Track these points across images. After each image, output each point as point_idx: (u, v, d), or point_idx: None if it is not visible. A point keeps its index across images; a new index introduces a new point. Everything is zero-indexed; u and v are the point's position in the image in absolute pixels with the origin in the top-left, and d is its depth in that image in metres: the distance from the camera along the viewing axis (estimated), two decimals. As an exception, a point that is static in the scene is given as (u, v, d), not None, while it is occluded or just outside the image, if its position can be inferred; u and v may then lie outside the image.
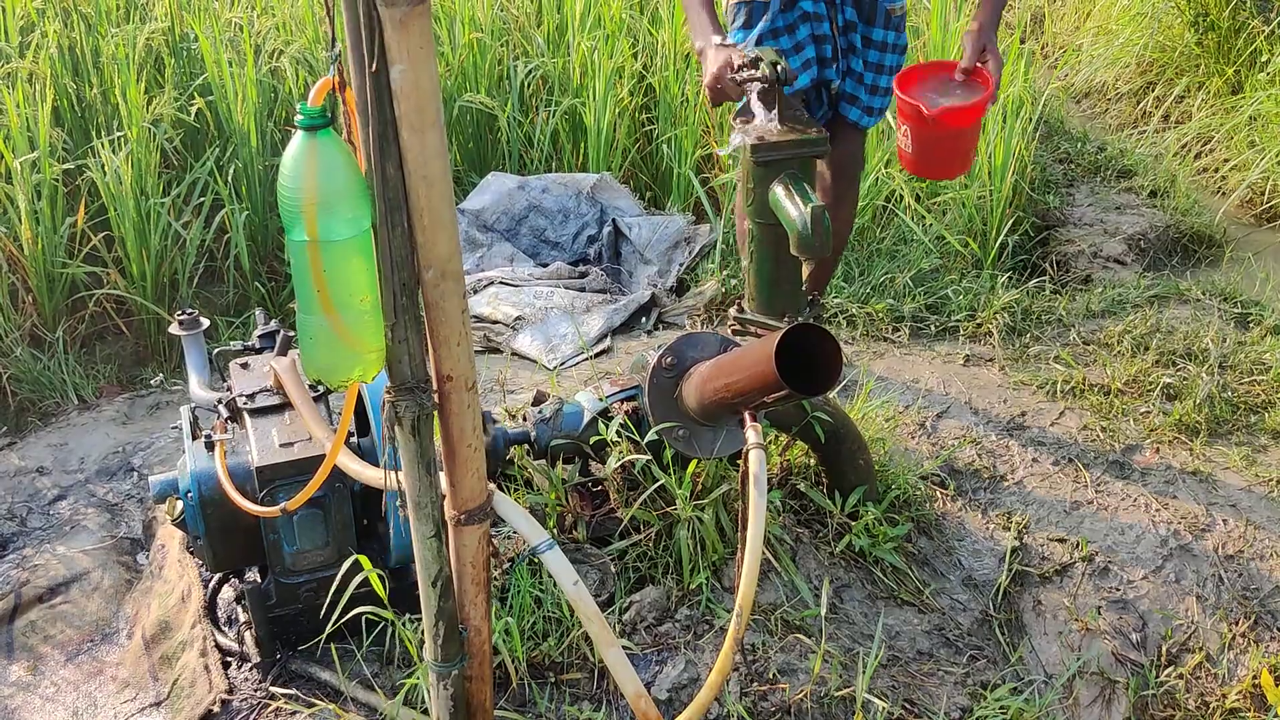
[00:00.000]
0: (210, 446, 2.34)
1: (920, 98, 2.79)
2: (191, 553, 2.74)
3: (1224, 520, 2.97)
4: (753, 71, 2.47)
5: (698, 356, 2.39)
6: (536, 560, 2.11)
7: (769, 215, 2.49)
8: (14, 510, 3.26)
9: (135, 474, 3.37)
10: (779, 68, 2.41)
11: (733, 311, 2.66)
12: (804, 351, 2.04)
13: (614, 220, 4.37)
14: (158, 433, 3.51)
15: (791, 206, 2.37)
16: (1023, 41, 5.26)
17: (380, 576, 2.18)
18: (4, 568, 3.04)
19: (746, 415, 2.13)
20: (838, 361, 2.00)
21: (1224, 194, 5.21)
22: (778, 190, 2.44)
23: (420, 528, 1.79)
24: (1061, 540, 2.94)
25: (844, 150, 3.13)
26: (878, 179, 4.26)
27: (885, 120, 4.41)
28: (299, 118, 1.55)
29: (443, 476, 1.82)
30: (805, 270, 2.56)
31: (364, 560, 2.16)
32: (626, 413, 2.54)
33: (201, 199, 4.15)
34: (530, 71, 4.78)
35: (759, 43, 2.95)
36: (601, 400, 2.54)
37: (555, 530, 2.53)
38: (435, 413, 1.72)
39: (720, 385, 2.22)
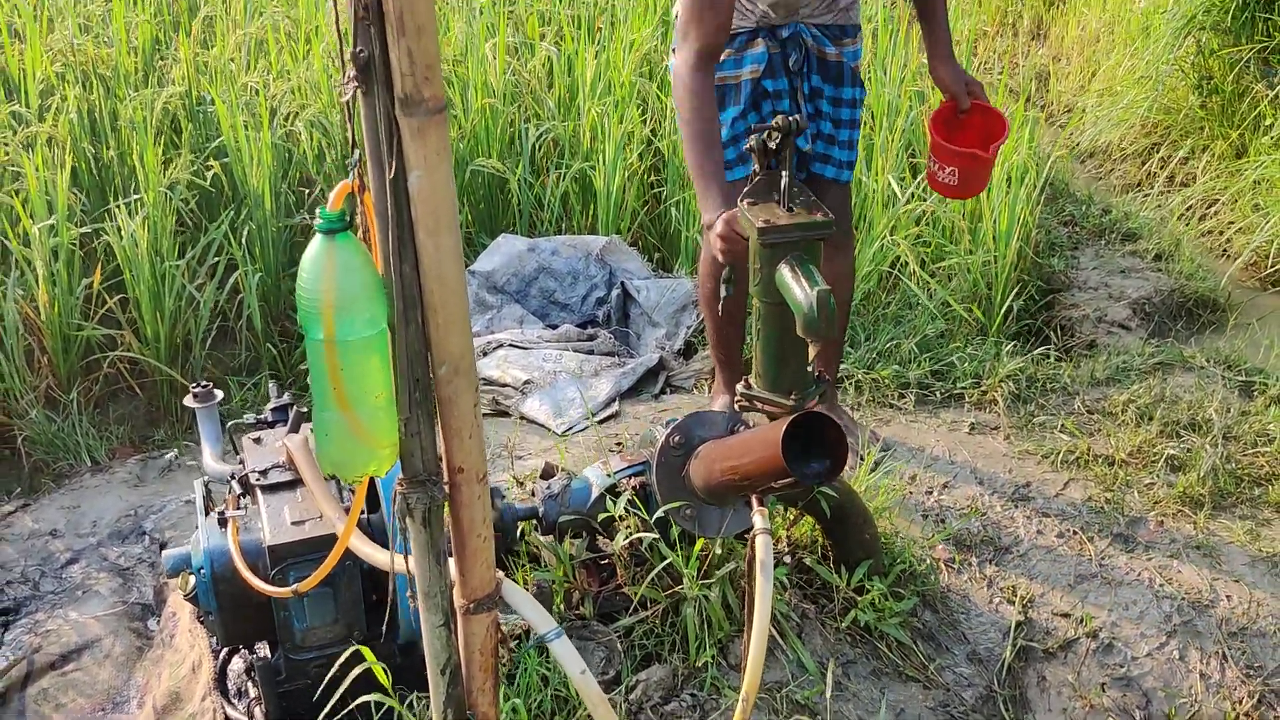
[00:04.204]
0: (223, 523, 2.37)
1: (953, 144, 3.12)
2: (203, 623, 2.76)
3: (1228, 596, 2.98)
4: (757, 164, 2.54)
5: (705, 435, 2.42)
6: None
7: (775, 295, 2.52)
8: (27, 574, 3.29)
9: (147, 537, 3.40)
10: (794, 120, 2.44)
11: (740, 387, 2.69)
12: (810, 435, 2.08)
13: (623, 283, 4.42)
14: (169, 496, 3.55)
15: (798, 289, 2.41)
16: (1027, 107, 5.31)
17: (391, 652, 2.21)
18: (17, 633, 3.07)
19: (754, 499, 2.16)
20: (843, 450, 2.03)
21: (1229, 256, 5.25)
22: (784, 271, 2.47)
23: (430, 617, 1.82)
24: (1066, 615, 2.95)
25: (831, 206, 3.17)
26: (883, 245, 4.30)
27: (892, 189, 4.47)
28: (318, 221, 1.59)
29: (452, 564, 1.85)
30: (813, 350, 2.59)
31: (368, 653, 2.18)
32: (634, 488, 2.57)
33: (216, 259, 4.21)
34: (541, 134, 4.85)
35: (732, 125, 3.08)
36: (609, 476, 2.57)
37: (562, 607, 2.55)
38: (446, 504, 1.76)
39: (727, 467, 2.25)
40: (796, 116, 2.48)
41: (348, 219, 1.62)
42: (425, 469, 1.74)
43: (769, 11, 3.06)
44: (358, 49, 1.51)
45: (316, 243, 1.60)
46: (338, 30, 1.55)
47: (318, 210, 1.60)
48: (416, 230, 1.61)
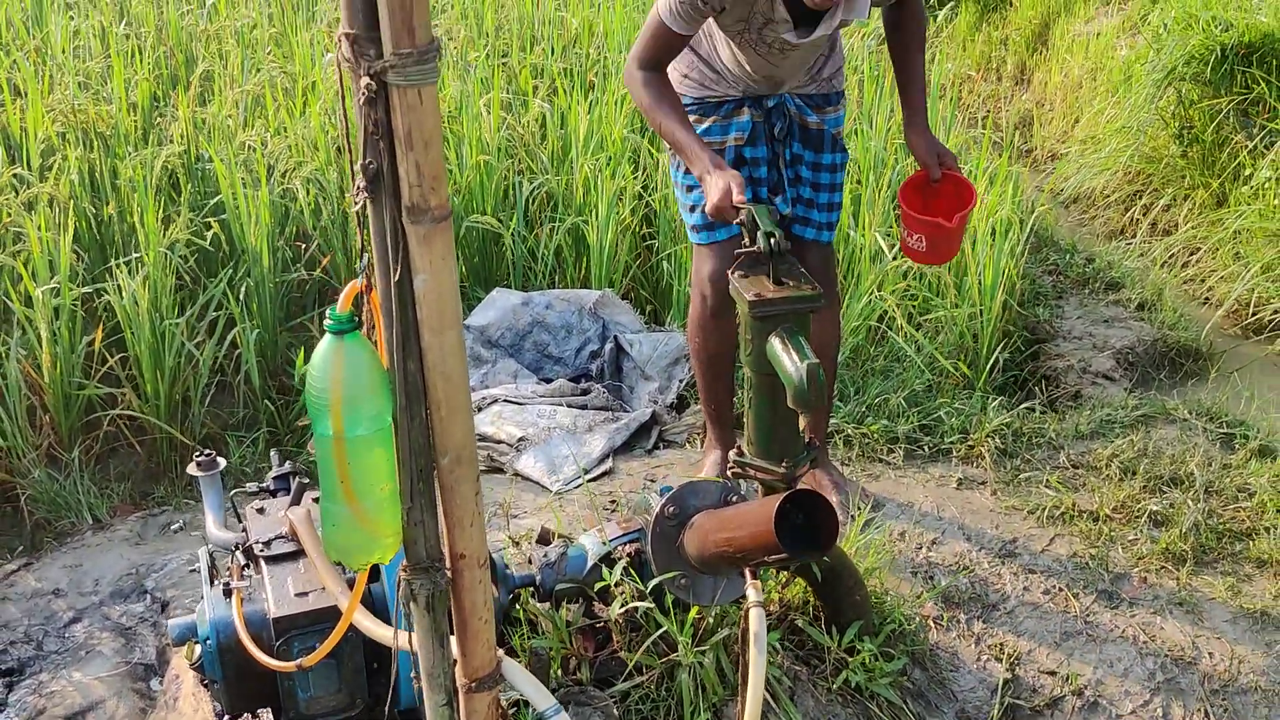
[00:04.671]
0: (228, 593, 2.42)
1: (925, 211, 3.18)
2: (206, 688, 2.81)
3: (1210, 653, 3.05)
4: (747, 239, 2.62)
5: (700, 505, 2.48)
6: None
7: (766, 366, 2.60)
8: (30, 633, 3.33)
9: (149, 596, 3.45)
10: (773, 241, 2.53)
11: (733, 454, 2.76)
12: (802, 510, 2.15)
13: (615, 337, 4.49)
14: (170, 554, 3.59)
15: (788, 361, 2.48)
16: (1010, 160, 5.42)
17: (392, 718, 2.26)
18: (21, 693, 3.11)
19: (747, 572, 2.22)
20: (834, 525, 2.10)
21: (1210, 303, 5.35)
22: (775, 343, 2.55)
23: (433, 696, 1.88)
24: (1052, 672, 3.01)
25: (811, 267, 3.27)
26: (870, 300, 4.38)
27: (879, 244, 4.56)
28: (328, 322, 1.66)
29: (453, 641, 1.91)
30: (803, 420, 2.65)
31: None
32: (629, 555, 2.63)
33: (216, 314, 4.27)
34: (535, 188, 4.93)
35: None
36: (605, 544, 2.63)
37: (559, 672, 2.61)
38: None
39: (721, 539, 2.31)
40: (775, 238, 2.57)
41: (355, 319, 1.69)
42: (428, 556, 1.80)
43: (757, 84, 3.16)
44: (367, 161, 1.59)
45: (326, 342, 1.67)
46: (347, 142, 1.63)
47: (327, 311, 1.67)
48: (421, 329, 1.68)
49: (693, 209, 3.24)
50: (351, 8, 1.51)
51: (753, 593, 2.16)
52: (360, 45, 1.52)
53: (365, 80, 1.51)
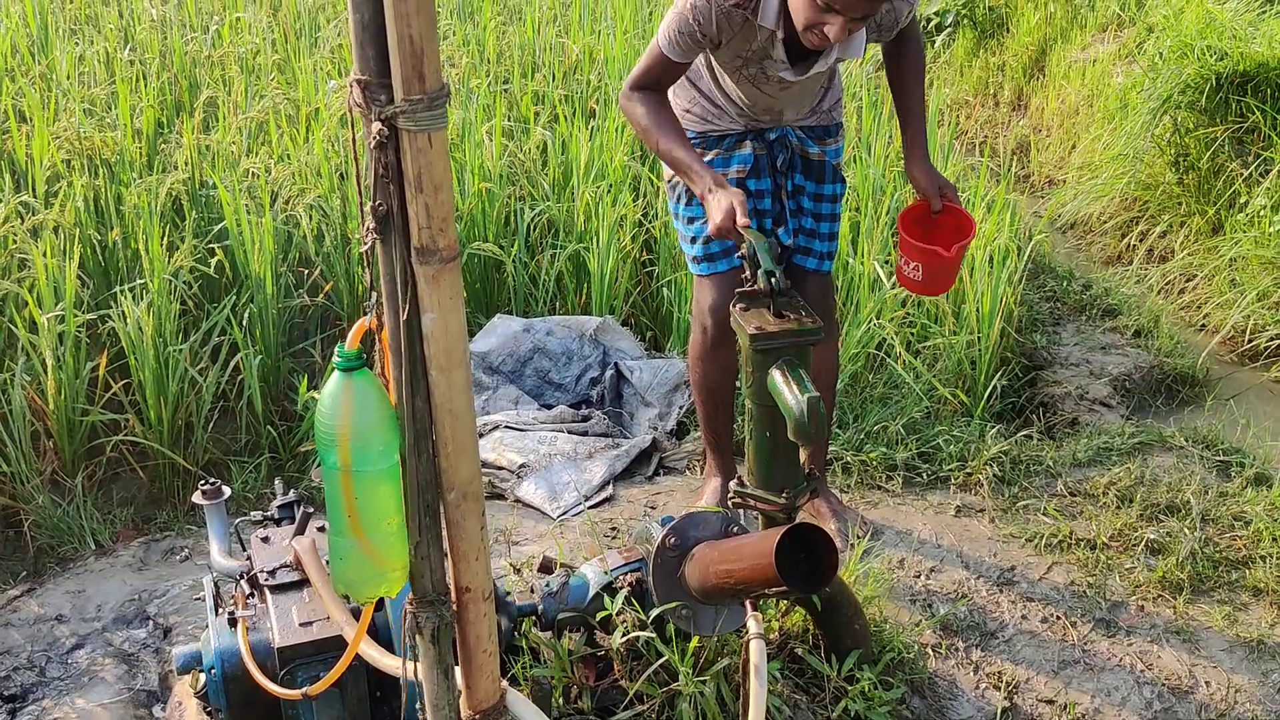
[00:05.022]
0: (233, 622, 2.45)
1: (924, 242, 3.18)
2: (210, 716, 2.82)
3: (1206, 681, 3.07)
4: (748, 274, 2.66)
5: (701, 536, 2.51)
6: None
7: (767, 398, 2.63)
8: (33, 659, 3.34)
9: (151, 622, 3.46)
10: (774, 280, 2.57)
11: (733, 485, 2.79)
12: (802, 542, 2.17)
13: (616, 363, 4.52)
14: (172, 580, 3.61)
15: (789, 394, 2.51)
16: (1008, 189, 5.46)
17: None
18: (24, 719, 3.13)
19: (747, 603, 2.25)
20: (834, 559, 2.13)
21: (1206, 330, 5.38)
22: (776, 376, 2.58)
23: (439, 728, 1.90)
24: (1050, 701, 3.03)
25: (811, 296, 3.30)
26: (869, 328, 4.41)
27: (877, 272, 4.59)
28: (337, 360, 1.69)
29: (458, 672, 1.93)
30: (803, 451, 2.69)
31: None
32: (631, 584, 2.65)
33: (219, 339, 4.30)
34: (536, 215, 4.97)
35: None
36: (607, 574, 2.66)
37: (561, 701, 2.63)
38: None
39: (722, 571, 2.34)
40: (775, 277, 2.60)
41: (364, 357, 1.72)
42: (434, 589, 1.83)
43: (758, 117, 3.20)
44: (377, 203, 1.62)
45: (335, 379, 1.70)
46: (359, 184, 1.66)
47: (336, 349, 1.70)
48: (429, 367, 1.71)
49: (693, 240, 3.28)
50: (364, 54, 1.55)
51: (753, 624, 2.18)
52: (372, 91, 1.55)
53: (377, 125, 1.54)
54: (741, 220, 2.75)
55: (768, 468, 2.73)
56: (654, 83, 3.07)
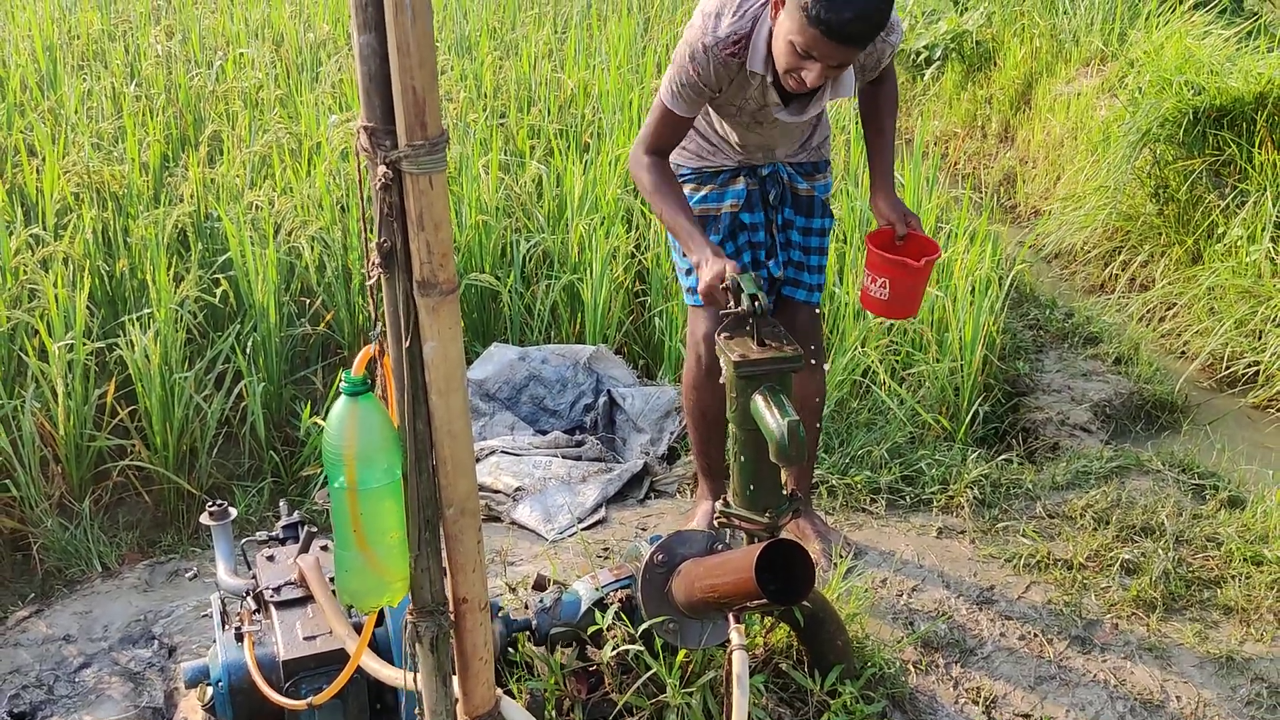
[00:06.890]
0: (239, 638, 2.56)
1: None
2: (215, 729, 2.93)
3: (1177, 696, 3.18)
4: (733, 302, 2.79)
5: (687, 553, 2.63)
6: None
7: (750, 422, 2.75)
8: (42, 678, 3.45)
9: (156, 642, 3.56)
10: (756, 303, 2.70)
11: (719, 505, 2.91)
12: (782, 559, 2.30)
13: (609, 390, 4.64)
14: (177, 601, 3.71)
15: (770, 418, 2.63)
16: (990, 220, 5.61)
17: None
18: (32, 738, 3.23)
19: (731, 617, 2.36)
20: (810, 573, 2.25)
21: (1185, 357, 5.52)
22: (758, 401, 2.71)
23: (437, 732, 2.01)
24: (1027, 715, 3.14)
25: (801, 326, 3.42)
26: (854, 356, 4.54)
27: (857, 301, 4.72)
28: (344, 385, 1.82)
29: (455, 681, 2.05)
30: (785, 473, 2.81)
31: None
32: (621, 601, 2.77)
33: (224, 367, 4.43)
34: (532, 246, 5.10)
35: None
36: (598, 590, 2.78)
37: (553, 713, 2.74)
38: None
39: (706, 586, 2.46)
40: (758, 299, 2.73)
41: (368, 382, 1.84)
42: (433, 600, 1.95)
43: (751, 154, 3.34)
44: (382, 239, 1.75)
45: (342, 403, 1.83)
46: (364, 224, 1.79)
47: (342, 374, 1.83)
48: (430, 392, 1.83)
49: (689, 272, 3.40)
50: (370, 103, 1.68)
51: (736, 636, 2.30)
52: (377, 136, 1.69)
53: (382, 169, 1.68)
54: (729, 276, 2.86)
55: (751, 489, 2.85)
56: (663, 140, 3.17)
